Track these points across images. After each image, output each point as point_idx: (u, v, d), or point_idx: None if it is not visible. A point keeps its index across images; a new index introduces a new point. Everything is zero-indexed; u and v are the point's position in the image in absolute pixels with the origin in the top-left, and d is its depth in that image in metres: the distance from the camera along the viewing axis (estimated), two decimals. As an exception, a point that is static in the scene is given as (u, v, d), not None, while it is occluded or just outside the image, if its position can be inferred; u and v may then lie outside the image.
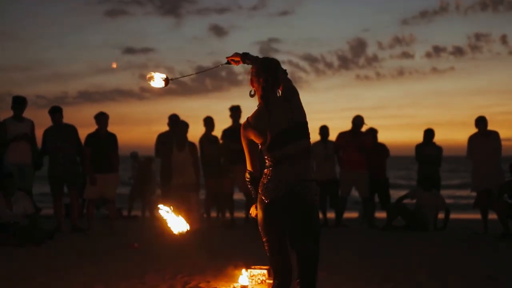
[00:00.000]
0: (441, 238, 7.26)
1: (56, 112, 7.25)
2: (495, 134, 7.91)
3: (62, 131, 7.23)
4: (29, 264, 5.20)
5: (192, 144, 7.08)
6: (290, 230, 2.74)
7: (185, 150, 6.93)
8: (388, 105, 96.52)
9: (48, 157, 7.28)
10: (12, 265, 5.19)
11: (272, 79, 2.85)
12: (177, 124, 7.29)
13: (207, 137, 8.12)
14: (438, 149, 8.62)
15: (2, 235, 6.10)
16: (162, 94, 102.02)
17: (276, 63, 2.91)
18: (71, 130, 7.31)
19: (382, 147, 8.64)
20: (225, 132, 8.17)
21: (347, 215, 9.22)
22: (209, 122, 8.13)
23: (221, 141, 8.16)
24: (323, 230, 7.70)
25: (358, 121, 8.32)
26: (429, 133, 8.58)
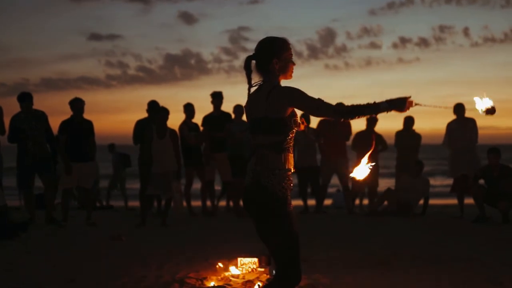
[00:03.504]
0: (421, 223, 7.38)
1: (25, 99, 6.83)
2: (472, 121, 8.05)
3: (31, 118, 6.85)
4: (2, 260, 4.88)
5: (173, 131, 6.87)
6: (258, 218, 2.65)
7: (166, 137, 6.72)
8: (356, 94, 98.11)
9: (17, 145, 6.90)
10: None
11: (258, 61, 2.65)
12: (156, 111, 7.06)
13: (187, 124, 7.93)
14: (418, 136, 8.71)
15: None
16: (129, 82, 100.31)
17: (265, 44, 2.66)
18: (41, 116, 6.94)
19: (378, 137, 8.62)
20: (206, 119, 7.99)
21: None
22: (189, 109, 7.93)
23: (201, 128, 7.99)
24: (303, 217, 7.82)
25: None
26: (409, 121, 8.65)
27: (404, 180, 8.18)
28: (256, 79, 2.70)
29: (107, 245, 5.59)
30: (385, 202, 8.28)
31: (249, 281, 4.10)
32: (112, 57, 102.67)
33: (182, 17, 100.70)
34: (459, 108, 8.01)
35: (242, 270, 4.32)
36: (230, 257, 4.62)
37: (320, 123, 8.45)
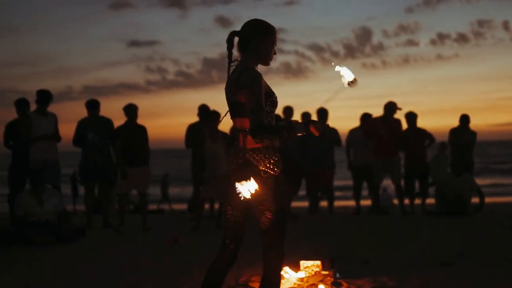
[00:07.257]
0: (479, 222, 7.18)
1: (94, 107, 7.05)
2: None
3: (97, 123, 7.04)
4: (64, 265, 4.97)
5: (225, 135, 6.89)
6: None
7: (219, 141, 6.75)
8: (394, 92, 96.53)
9: (81, 150, 7.10)
10: (45, 264, 4.95)
11: (241, 38, 2.69)
12: (207, 115, 7.11)
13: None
14: (473, 134, 8.50)
15: (33, 232, 5.93)
16: (168, 86, 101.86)
17: (251, 22, 2.70)
18: (107, 123, 7.14)
19: (422, 132, 8.45)
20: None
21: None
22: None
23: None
24: (356, 218, 7.72)
25: (390, 107, 8.18)
26: (464, 119, 8.47)
27: (449, 180, 7.98)
28: (236, 57, 2.70)
29: (166, 249, 5.64)
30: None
31: (313, 284, 4.05)
32: (151, 63, 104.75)
33: (219, 21, 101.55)
34: None
35: (305, 273, 4.27)
36: (291, 260, 4.57)
37: (371, 122, 8.35)
